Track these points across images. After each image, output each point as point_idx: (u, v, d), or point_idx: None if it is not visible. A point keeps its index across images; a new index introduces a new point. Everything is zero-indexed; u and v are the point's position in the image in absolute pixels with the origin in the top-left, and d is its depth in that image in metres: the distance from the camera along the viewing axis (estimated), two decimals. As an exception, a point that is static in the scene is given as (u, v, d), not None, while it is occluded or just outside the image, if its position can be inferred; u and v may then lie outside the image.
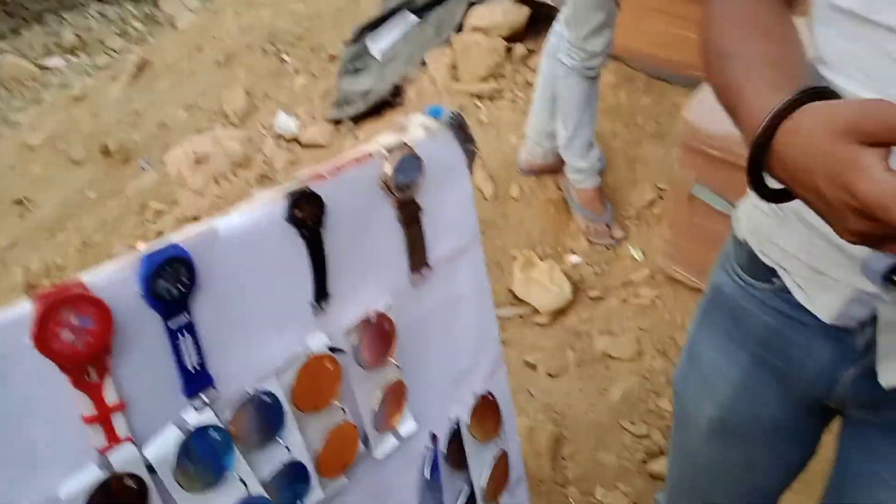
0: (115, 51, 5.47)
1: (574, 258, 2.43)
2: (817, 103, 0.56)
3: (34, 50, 5.58)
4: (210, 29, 4.62)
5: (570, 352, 2.06)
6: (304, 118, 3.46)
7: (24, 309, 0.57)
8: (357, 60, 3.46)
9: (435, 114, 0.86)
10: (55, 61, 5.28)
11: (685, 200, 2.05)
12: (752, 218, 0.84)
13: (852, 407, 0.83)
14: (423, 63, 3.08)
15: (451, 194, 0.89)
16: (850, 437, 0.88)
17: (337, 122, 3.24)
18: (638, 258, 2.42)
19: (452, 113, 0.86)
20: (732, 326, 0.89)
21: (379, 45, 3.40)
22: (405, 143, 0.81)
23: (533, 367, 1.97)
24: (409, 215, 0.84)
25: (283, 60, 4.10)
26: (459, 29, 3.04)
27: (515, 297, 2.30)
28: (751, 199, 0.85)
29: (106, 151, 3.92)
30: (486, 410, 0.98)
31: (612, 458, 1.74)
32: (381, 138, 0.81)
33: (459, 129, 0.87)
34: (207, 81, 4.12)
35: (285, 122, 3.39)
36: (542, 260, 2.37)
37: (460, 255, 0.92)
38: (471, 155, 0.90)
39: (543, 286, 2.27)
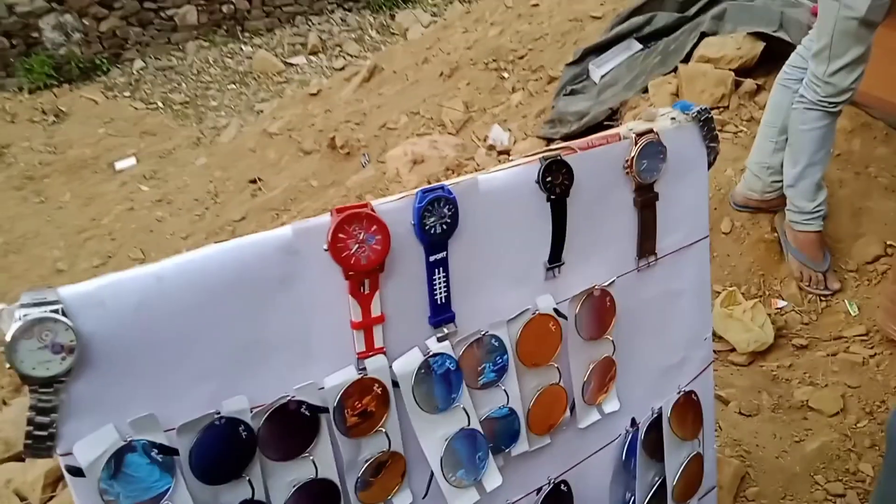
0: (351, 55, 5.96)
1: (781, 302, 2.32)
2: None
3: (282, 48, 6.21)
4: (438, 42, 4.91)
5: (765, 395, 1.97)
6: (517, 133, 3.58)
7: (325, 219, 0.68)
8: (576, 82, 3.53)
9: (684, 108, 0.89)
10: (299, 59, 5.84)
11: (918, 255, 1.90)
12: None
13: None
14: (645, 90, 3.08)
15: (688, 188, 0.92)
16: None
17: (548, 140, 3.32)
18: (853, 313, 2.26)
19: (701, 108, 0.89)
20: None
21: (601, 69, 3.44)
22: (652, 130, 0.86)
23: (724, 402, 1.91)
24: (646, 201, 0.88)
25: (502, 77, 4.26)
26: (687, 60, 3.01)
27: (713, 332, 2.23)
28: None
29: (332, 145, 4.29)
30: (689, 408, 0.99)
31: (799, 509, 1.65)
32: (630, 123, 0.86)
33: (706, 125, 0.90)
34: (430, 91, 4.38)
35: (499, 135, 3.52)
36: (746, 299, 2.28)
37: (687, 249, 0.94)
38: (713, 153, 0.92)
39: (744, 325, 2.18)
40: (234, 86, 5.91)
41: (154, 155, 5.17)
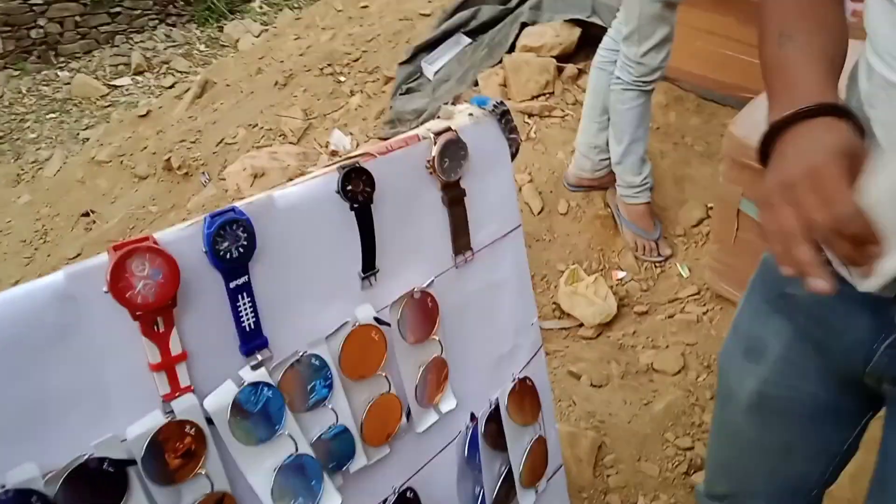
0: (180, 71, 5.71)
1: (620, 274, 2.44)
2: (839, 122, 0.65)
3: (104, 70, 5.85)
4: (270, 51, 4.79)
5: (614, 364, 2.06)
6: (358, 136, 3.56)
7: (102, 259, 0.63)
8: (411, 81, 3.55)
9: (480, 103, 0.91)
10: (123, 81, 5.53)
11: (732, 216, 2.05)
12: None
13: (889, 383, 0.84)
14: (476, 83, 3.15)
15: (494, 181, 0.93)
16: (891, 421, 0.88)
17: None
18: (685, 275, 2.42)
19: (497, 102, 0.91)
20: (778, 298, 0.90)
21: (433, 66, 3.49)
22: (451, 128, 0.86)
23: (577, 377, 1.98)
24: (454, 198, 0.89)
25: (339, 81, 4.22)
26: (512, 49, 3.10)
27: (561, 310, 2.32)
28: None
29: (169, 167, 4.09)
30: (525, 394, 1.01)
31: (654, 469, 1.74)
32: (428, 123, 0.86)
33: (503, 118, 0.92)
34: (266, 101, 4.27)
35: (340, 140, 3.49)
36: (588, 275, 2.38)
37: (502, 240, 0.96)
38: (514, 144, 0.94)
39: (589, 300, 2.28)
40: (53, 115, 5.48)
41: (-31, 197, 4.72)
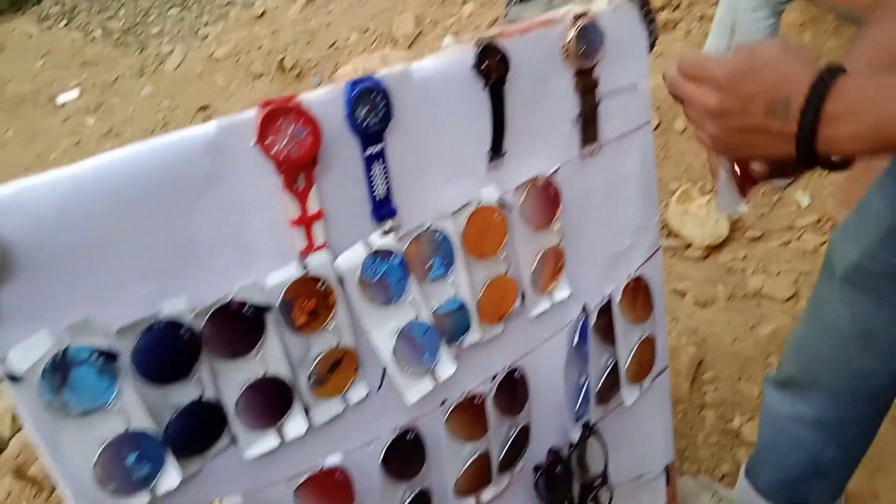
0: (296, -27, 5.71)
1: (735, 197, 2.35)
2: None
3: (225, -31, 5.93)
4: (385, -45, 4.72)
5: (721, 286, 2.02)
6: (471, 44, 3.51)
7: (250, 114, 0.66)
8: (528, -13, 3.44)
9: (622, -12, 0.87)
10: (243, -20, 5.59)
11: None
12: None
13: None
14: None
15: (629, 71, 0.91)
16: None
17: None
18: (804, 204, 2.31)
19: (639, -12, 0.87)
20: None
21: (552, -28, 3.36)
22: (588, 13, 0.84)
23: (681, 294, 1.95)
24: (586, 86, 0.87)
25: (454, -13, 4.14)
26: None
27: (670, 229, 2.27)
28: None
29: (282, 67, 4.17)
30: (638, 292, 1.01)
31: (754, 390, 1.71)
32: (566, 6, 0.84)
33: (643, 6, 0.89)
34: (379, 6, 4.25)
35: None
36: (701, 195, 2.31)
37: (631, 134, 0.94)
38: (652, 35, 0.91)
39: (700, 221, 2.22)
40: (175, 10, 5.65)
41: (97, 86, 4.97)
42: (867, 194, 1.02)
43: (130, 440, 0.66)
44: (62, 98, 4.82)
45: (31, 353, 0.60)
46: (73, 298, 0.61)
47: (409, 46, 3.85)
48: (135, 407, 0.66)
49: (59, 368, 0.61)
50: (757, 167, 0.81)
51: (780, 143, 0.67)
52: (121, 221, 0.62)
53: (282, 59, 4.18)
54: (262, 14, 4.86)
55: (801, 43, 2.68)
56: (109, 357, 0.63)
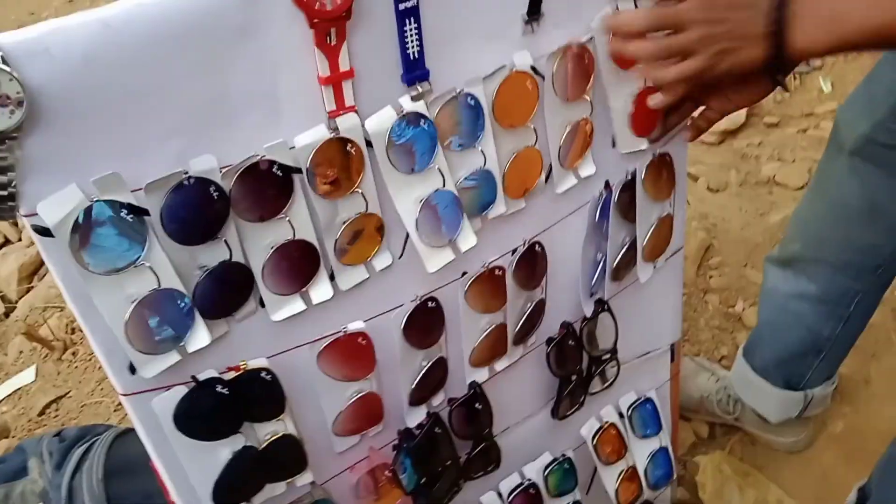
0: None
1: (754, 80, 2.29)
2: None
3: None
4: None
5: (734, 171, 2.00)
6: None
7: (281, -43, 0.62)
8: None
9: None
10: None
11: None
12: None
13: None
14: None
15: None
16: None
17: None
18: (826, 90, 2.25)
19: None
20: None
21: None
22: None
23: (694, 178, 1.94)
24: (632, -55, 0.81)
25: None
26: None
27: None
28: None
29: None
30: (662, 169, 0.99)
31: (758, 277, 1.73)
32: None
33: None
34: None
35: None
36: (718, 77, 2.24)
37: (672, 2, 0.89)
38: None
39: (716, 103, 2.17)
40: None
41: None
42: (876, 65, 1.01)
43: (160, 298, 0.66)
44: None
45: (60, 206, 0.58)
46: (102, 152, 0.59)
47: None
48: (164, 266, 0.65)
49: (88, 223, 0.60)
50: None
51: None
52: (151, 72, 0.59)
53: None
54: None
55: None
56: (139, 213, 0.62)
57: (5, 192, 0.57)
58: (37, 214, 0.58)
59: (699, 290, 1.70)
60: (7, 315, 2.15)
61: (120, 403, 1.65)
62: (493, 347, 0.96)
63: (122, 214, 0.61)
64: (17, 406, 1.76)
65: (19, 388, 1.81)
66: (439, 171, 0.78)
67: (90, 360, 1.80)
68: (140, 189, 0.62)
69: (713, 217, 1.81)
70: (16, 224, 2.60)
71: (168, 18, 0.59)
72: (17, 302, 2.18)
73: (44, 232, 0.59)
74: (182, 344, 0.69)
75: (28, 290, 2.18)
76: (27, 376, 1.84)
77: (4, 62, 0.53)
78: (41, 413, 1.70)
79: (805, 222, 1.19)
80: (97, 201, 0.60)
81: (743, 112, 2.16)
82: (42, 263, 2.27)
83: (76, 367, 1.80)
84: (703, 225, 1.78)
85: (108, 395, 1.67)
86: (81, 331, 1.88)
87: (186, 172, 0.63)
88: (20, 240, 2.48)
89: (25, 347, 1.94)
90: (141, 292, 0.64)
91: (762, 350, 1.38)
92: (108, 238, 0.61)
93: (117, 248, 0.62)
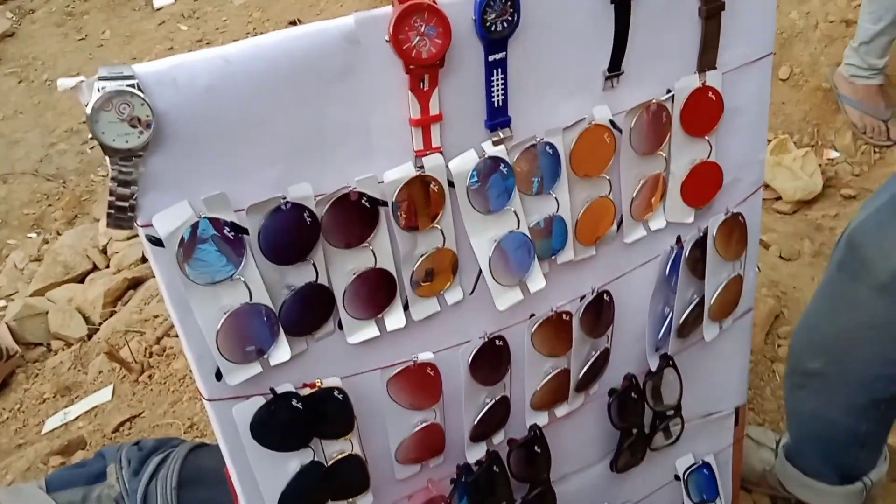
0: None
1: (833, 153, 2.28)
2: None
3: None
4: None
5: (807, 241, 1.97)
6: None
7: (387, 10, 0.68)
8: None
9: (762, -90, 0.84)
10: None
11: None
12: None
13: None
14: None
15: (756, 1, 0.88)
16: None
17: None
18: (906, 165, 2.22)
19: (780, -89, 0.84)
20: None
21: None
22: (726, -66, 0.81)
23: (766, 245, 1.92)
24: (712, 10, 0.85)
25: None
26: None
27: (759, 179, 2.21)
28: None
29: (376, -14, 4.14)
30: (734, 229, 1.00)
31: (829, 348, 1.69)
32: (702, -75, 0.82)
33: (783, -69, 0.85)
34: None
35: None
36: (797, 148, 2.24)
37: (750, 65, 0.92)
38: (787, -38, 0.88)
39: (793, 174, 2.16)
40: (272, -80, 5.66)
41: (193, -7, 5.05)
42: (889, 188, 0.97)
43: (250, 312, 0.71)
44: (159, 2, 4.92)
45: (173, 220, 0.64)
46: (212, 174, 0.66)
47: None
48: (256, 282, 0.70)
49: (193, 238, 0.66)
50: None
51: None
52: (262, 104, 0.65)
53: (376, -22, 4.14)
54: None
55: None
56: (240, 231, 0.67)
57: (126, 204, 0.63)
58: (151, 226, 0.64)
59: (767, 359, 1.67)
60: (90, 337, 2.26)
61: (190, 426, 1.71)
62: (556, 392, 0.98)
63: (224, 231, 0.67)
64: (93, 423, 1.84)
65: (96, 406, 1.90)
66: (514, 213, 0.82)
67: (164, 383, 1.88)
68: (242, 210, 0.68)
69: (784, 285, 1.79)
70: (104, 251, 2.75)
71: (280, 57, 0.65)
72: (100, 325, 2.29)
73: (156, 242, 0.65)
74: (265, 357, 0.73)
75: (111, 315, 2.30)
76: (104, 395, 1.93)
77: (139, 88, 0.60)
78: (115, 430, 1.77)
79: (829, 339, 1.15)
80: (204, 218, 0.66)
81: (819, 182, 2.14)
82: (126, 290, 2.39)
83: (151, 389, 1.88)
84: (773, 293, 1.76)
85: (178, 417, 1.74)
86: (159, 355, 1.98)
87: (284, 197, 0.69)
88: (108, 266, 2.63)
89: (105, 368, 2.04)
90: (233, 304, 0.70)
91: (804, 457, 1.35)
92: (209, 253, 0.67)
93: (216, 262, 0.68)
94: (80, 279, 2.65)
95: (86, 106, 0.59)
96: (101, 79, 0.59)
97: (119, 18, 4.94)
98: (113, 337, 2.16)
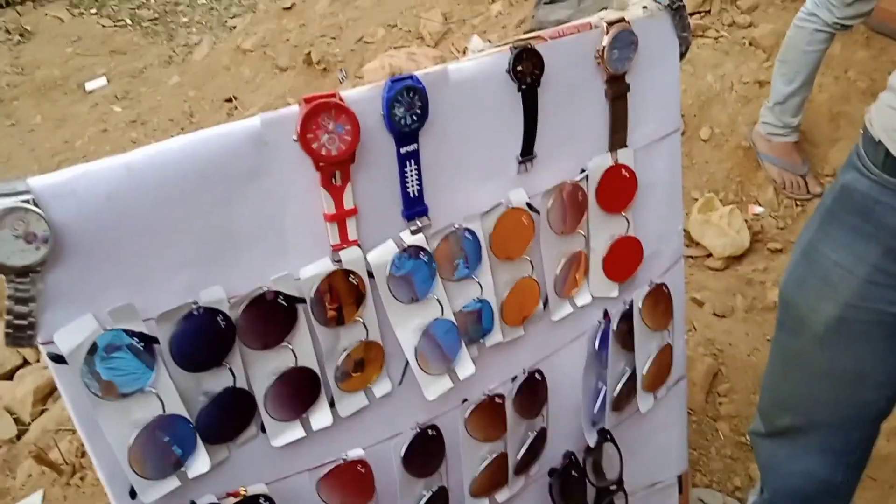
0: (326, -32, 5.74)
1: (758, 208, 2.35)
2: None
3: (255, -39, 5.97)
4: (416, -48, 4.73)
5: (739, 297, 2.02)
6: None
7: (293, 109, 0.68)
8: (557, -10, 3.44)
9: (657, -3, 0.88)
10: (272, -26, 5.62)
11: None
12: (886, 118, 0.87)
13: None
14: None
15: (660, 79, 0.92)
16: None
17: (529, 49, 3.25)
18: (827, 217, 2.30)
19: (675, -2, 0.88)
20: (863, 222, 0.91)
21: (581, -25, 3.36)
22: (624, 19, 0.85)
23: (699, 303, 1.96)
24: (617, 92, 0.88)
25: (481, -13, 4.15)
26: (668, -37, 2.94)
27: (690, 238, 2.27)
28: (884, 100, 0.89)
29: (309, 61, 4.19)
30: (660, 300, 1.02)
31: (768, 403, 1.72)
32: (601, 13, 0.85)
33: (678, 14, 0.89)
34: (407, 3, 4.27)
35: (478, 46, 3.45)
36: (723, 205, 2.31)
37: (660, 142, 0.95)
38: (685, 43, 0.92)
39: (721, 230, 2.22)
40: (204, 1, 5.72)
41: (125, 74, 5.03)
42: (808, 242, 1.01)
43: (164, 424, 0.68)
44: (91, 85, 4.88)
45: (75, 335, 0.62)
46: (117, 284, 0.63)
47: (436, 44, 3.87)
48: (170, 392, 0.68)
49: (101, 351, 0.63)
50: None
51: None
52: (167, 210, 0.64)
53: (308, 53, 4.20)
54: (291, 6, 4.89)
55: (831, 53, 2.67)
56: (149, 341, 0.65)
57: (25, 322, 0.61)
58: (53, 342, 0.62)
59: (709, 418, 1.68)
60: (19, 437, 2.14)
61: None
62: (495, 477, 0.96)
63: (133, 342, 0.64)
64: (20, 531, 1.73)
65: (24, 512, 1.78)
66: (437, 300, 0.82)
67: (97, 485, 1.78)
68: (152, 319, 0.66)
69: (720, 343, 1.82)
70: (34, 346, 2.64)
71: (185, 162, 0.64)
72: (29, 424, 2.18)
73: (58, 359, 0.62)
74: (183, 469, 0.70)
75: (42, 412, 2.19)
76: (34, 500, 1.81)
77: (35, 204, 0.58)
78: (44, 538, 1.67)
79: (789, 397, 1.17)
80: (110, 330, 0.63)
81: (747, 237, 2.20)
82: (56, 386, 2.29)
83: (83, 492, 1.78)
84: (709, 351, 1.78)
85: (110, 521, 1.65)
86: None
87: (196, 302, 0.67)
88: (38, 360, 2.51)
89: (35, 471, 1.93)
90: (146, 418, 0.67)
91: None
92: (125, 362, 0.64)
93: (136, 370, 0.65)
94: (9, 376, 2.53)
95: (-24, 226, 0.57)
96: (-7, 196, 0.57)
97: (50, 102, 4.88)
98: (44, 437, 2.05)
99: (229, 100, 4.36)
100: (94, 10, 5.88)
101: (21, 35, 5.45)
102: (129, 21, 5.68)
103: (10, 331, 0.61)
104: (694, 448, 1.60)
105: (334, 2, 4.71)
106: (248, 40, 4.65)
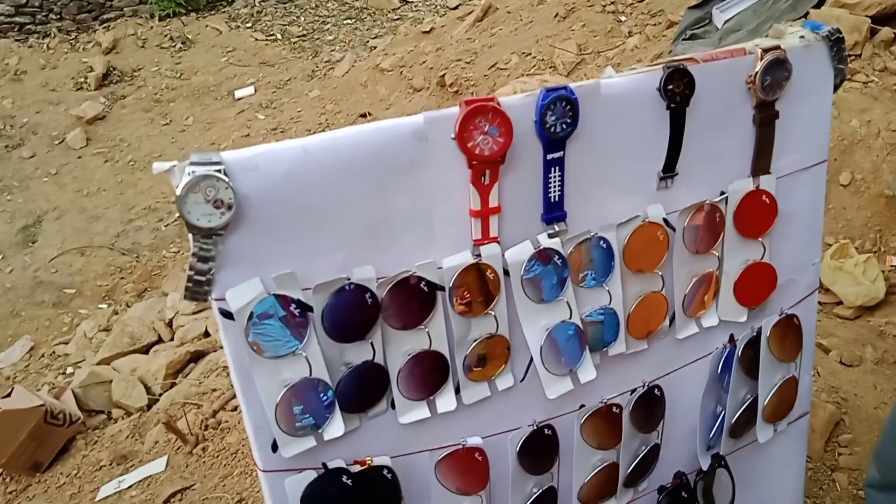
0: (469, -6, 5.93)
1: (896, 260, 2.23)
2: None
3: (401, -15, 6.24)
4: (556, -17, 4.80)
5: (869, 348, 1.92)
6: (631, 76, 3.51)
7: (453, 110, 0.74)
8: (697, 27, 3.41)
9: (814, 27, 0.89)
10: (416, -3, 5.86)
11: None
12: None
13: None
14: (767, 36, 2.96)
15: (811, 109, 0.91)
16: None
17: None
18: (976, 276, 2.16)
19: (832, 29, 0.88)
20: None
21: (725, 13, 3.32)
22: (779, 47, 0.86)
23: (825, 350, 1.88)
24: (765, 118, 0.89)
25: (619, 20, 4.16)
26: (820, 4, 2.86)
27: (820, 283, 2.17)
28: None
29: (442, 83, 4.33)
30: (789, 331, 1.00)
31: (895, 463, 1.62)
32: (757, 39, 0.86)
33: (835, 46, 0.89)
34: (543, 31, 4.33)
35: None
36: (859, 253, 2.21)
37: (804, 172, 0.94)
38: (840, 75, 0.91)
39: (855, 279, 2.12)
40: (349, 21, 6.03)
41: (271, 85, 5.37)
42: None
43: (309, 387, 0.74)
44: (240, 93, 5.24)
45: (244, 295, 0.69)
46: (283, 254, 0.71)
47: (569, 74, 3.90)
48: (317, 358, 0.74)
49: (255, 318, 0.70)
50: None
51: None
52: (334, 192, 0.71)
53: (443, 76, 4.34)
54: (430, 31, 5.07)
55: None
56: (305, 308, 0.72)
57: (204, 279, 0.68)
58: (224, 300, 0.69)
59: (826, 468, 1.60)
60: (150, 407, 2.32)
61: (239, 500, 1.73)
62: (604, 486, 0.97)
63: (291, 308, 0.71)
64: (145, 492, 1.87)
65: (150, 476, 1.93)
66: (567, 303, 0.85)
67: (217, 456, 1.90)
68: (309, 288, 0.72)
69: (844, 392, 1.74)
70: (170, 325, 2.85)
71: (354, 149, 0.71)
72: (160, 395, 2.36)
73: (227, 315, 0.70)
74: (320, 431, 0.76)
75: (171, 386, 2.36)
76: (159, 465, 1.96)
77: (224, 174, 0.66)
78: (166, 501, 1.80)
79: None
80: (273, 295, 0.70)
81: (882, 288, 2.09)
82: (187, 362, 2.47)
83: (204, 461, 1.91)
84: (833, 398, 1.71)
85: (228, 491, 1.75)
86: (214, 428, 2.02)
87: (349, 278, 0.73)
88: (172, 339, 2.72)
89: (161, 438, 2.08)
90: (293, 378, 0.73)
91: None
92: (273, 329, 0.71)
93: (281, 337, 0.72)
94: (145, 350, 2.75)
95: (176, 187, 0.65)
96: (192, 164, 0.65)
97: (202, 106, 5.27)
98: (171, 408, 2.21)
99: (364, 115, 4.56)
100: (249, 24, 6.31)
101: (183, 43, 5.91)
102: (279, 36, 6.06)
103: (190, 285, 0.69)
104: (808, 496, 1.54)
105: (472, 28, 4.84)
106: (387, 60, 4.86)
